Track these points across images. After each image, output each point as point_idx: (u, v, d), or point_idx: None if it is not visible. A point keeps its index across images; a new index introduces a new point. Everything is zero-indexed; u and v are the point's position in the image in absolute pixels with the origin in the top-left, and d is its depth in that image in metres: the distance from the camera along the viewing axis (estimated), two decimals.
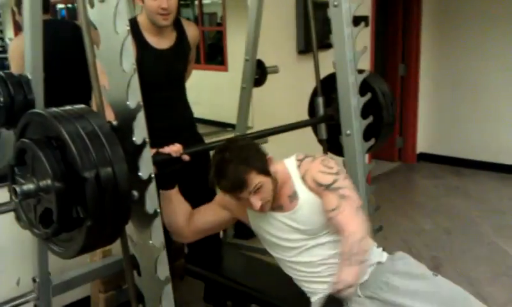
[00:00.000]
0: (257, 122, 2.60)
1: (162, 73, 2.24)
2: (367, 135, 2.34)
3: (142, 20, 2.22)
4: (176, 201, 1.94)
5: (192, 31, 2.41)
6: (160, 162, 1.78)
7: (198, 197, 2.22)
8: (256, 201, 1.75)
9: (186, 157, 1.88)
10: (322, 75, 2.56)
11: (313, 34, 2.56)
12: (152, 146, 1.59)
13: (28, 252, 2.10)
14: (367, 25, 4.63)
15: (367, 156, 2.36)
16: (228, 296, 2.34)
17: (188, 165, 1.91)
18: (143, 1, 2.14)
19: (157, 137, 1.86)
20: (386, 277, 1.78)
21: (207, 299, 2.52)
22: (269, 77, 2.88)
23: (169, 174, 1.87)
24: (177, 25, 2.33)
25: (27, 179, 1.31)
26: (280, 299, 2.10)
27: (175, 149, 1.85)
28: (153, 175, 1.49)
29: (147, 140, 1.46)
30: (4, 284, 2.53)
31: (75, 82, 2.30)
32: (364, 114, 2.31)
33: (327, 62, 2.43)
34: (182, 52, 2.33)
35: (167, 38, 2.25)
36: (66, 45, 2.66)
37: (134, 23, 2.19)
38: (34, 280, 2.07)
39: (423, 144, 5.92)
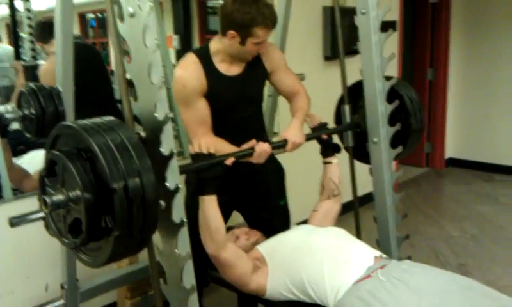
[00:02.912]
0: (283, 128, 2.60)
1: (231, 100, 2.20)
2: (394, 143, 2.31)
3: (216, 48, 2.18)
4: (216, 208, 1.91)
5: (269, 54, 2.31)
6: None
7: (254, 210, 2.40)
8: None
9: (229, 161, 1.90)
10: (349, 81, 2.54)
11: (340, 41, 2.53)
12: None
13: (57, 259, 2.13)
14: (394, 30, 4.59)
15: (394, 162, 2.32)
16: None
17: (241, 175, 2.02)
18: (244, 44, 2.10)
19: None
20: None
21: None
22: None
23: (209, 178, 1.86)
24: None
25: (57, 190, 1.33)
26: None
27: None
28: (180, 185, 1.50)
29: (174, 151, 1.48)
30: (33, 289, 2.56)
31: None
32: (392, 121, 2.29)
33: (353, 68, 2.41)
34: (252, 78, 2.27)
35: (237, 65, 2.23)
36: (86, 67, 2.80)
37: (205, 51, 2.18)
38: (62, 286, 2.11)
39: (452, 150, 5.82)
